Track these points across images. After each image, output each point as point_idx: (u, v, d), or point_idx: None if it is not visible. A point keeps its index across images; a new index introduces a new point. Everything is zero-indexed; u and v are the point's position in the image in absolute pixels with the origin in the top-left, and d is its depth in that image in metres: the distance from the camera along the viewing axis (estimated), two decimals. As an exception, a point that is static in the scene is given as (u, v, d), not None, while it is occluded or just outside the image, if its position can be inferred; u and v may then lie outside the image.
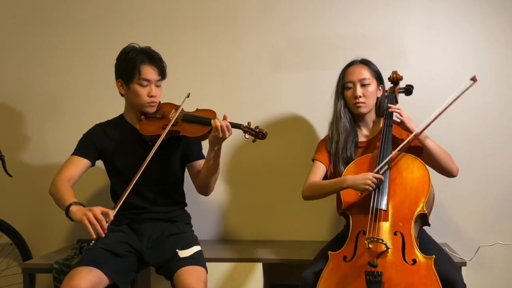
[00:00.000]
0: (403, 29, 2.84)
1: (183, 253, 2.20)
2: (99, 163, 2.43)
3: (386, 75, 2.43)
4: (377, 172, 2.12)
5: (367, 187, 2.08)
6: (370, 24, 2.85)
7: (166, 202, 2.40)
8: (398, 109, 2.25)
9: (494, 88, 2.79)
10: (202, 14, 2.96)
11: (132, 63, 2.28)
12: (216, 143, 2.25)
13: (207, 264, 2.22)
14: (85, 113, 2.95)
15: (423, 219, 2.13)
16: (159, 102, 2.38)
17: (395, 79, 2.41)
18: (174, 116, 2.31)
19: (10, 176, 2.76)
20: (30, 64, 3.05)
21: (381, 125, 2.33)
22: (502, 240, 2.68)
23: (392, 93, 2.39)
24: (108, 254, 2.19)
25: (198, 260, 2.20)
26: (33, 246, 2.96)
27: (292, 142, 2.89)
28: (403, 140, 2.29)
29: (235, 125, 2.24)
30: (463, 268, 2.33)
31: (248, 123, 2.25)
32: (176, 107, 2.36)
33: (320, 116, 2.75)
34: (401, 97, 2.43)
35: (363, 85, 2.33)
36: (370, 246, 1.99)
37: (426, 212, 2.09)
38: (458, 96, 2.13)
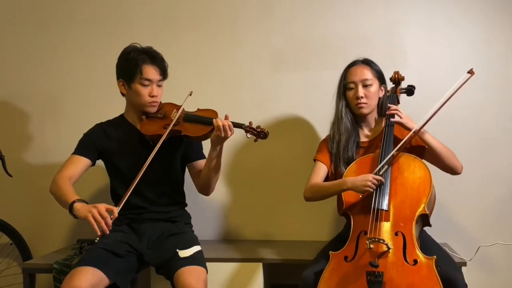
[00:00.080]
0: (403, 29, 2.84)
1: (183, 253, 2.20)
2: (99, 163, 2.43)
3: (386, 75, 2.43)
4: (378, 172, 2.12)
5: (367, 188, 2.08)
6: (370, 24, 2.85)
7: (166, 202, 2.40)
8: (395, 109, 2.25)
9: (494, 88, 2.79)
10: (202, 14, 2.96)
11: (134, 63, 2.28)
12: (218, 143, 2.25)
13: (207, 264, 2.22)
14: (85, 113, 2.95)
15: (424, 219, 2.13)
16: (160, 102, 2.38)
17: (397, 79, 2.41)
18: (175, 115, 2.31)
19: (10, 176, 2.76)
20: (30, 64, 3.05)
21: (383, 125, 2.33)
22: (502, 240, 2.68)
23: (393, 93, 2.39)
24: (108, 254, 2.19)
25: (198, 260, 2.20)
26: (33, 246, 2.96)
27: (292, 142, 2.89)
28: (403, 139, 2.29)
29: (236, 125, 2.24)
30: (463, 268, 2.33)
31: (250, 122, 2.25)
32: (177, 107, 2.36)
33: (321, 116, 2.76)
34: (402, 97, 2.43)
35: (365, 86, 2.33)
36: (371, 246, 1.99)
37: (427, 212, 2.09)
38: (456, 90, 2.12)
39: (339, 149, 2.35)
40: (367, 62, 2.38)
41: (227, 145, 2.31)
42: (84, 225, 2.95)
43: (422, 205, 2.08)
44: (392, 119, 2.25)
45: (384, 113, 2.34)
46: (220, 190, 2.90)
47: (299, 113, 2.89)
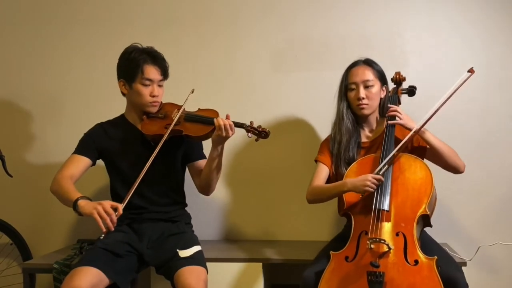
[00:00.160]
0: (403, 29, 2.84)
1: (183, 253, 2.20)
2: (99, 162, 2.43)
3: (387, 75, 2.42)
4: (378, 172, 2.12)
5: (367, 188, 2.08)
6: (370, 24, 2.85)
7: (166, 202, 2.40)
8: (395, 110, 2.24)
9: (494, 88, 2.79)
10: (202, 14, 2.96)
11: (135, 63, 2.28)
12: (220, 142, 2.25)
13: (208, 264, 2.22)
14: (86, 113, 2.95)
15: (425, 220, 2.13)
16: (161, 102, 2.38)
17: (398, 80, 2.40)
18: (176, 115, 2.31)
19: (10, 176, 2.76)
20: (30, 64, 3.05)
21: (384, 125, 2.33)
22: (502, 240, 2.68)
23: (395, 93, 2.39)
24: (108, 254, 2.19)
25: (198, 260, 2.20)
26: (33, 246, 2.96)
27: (292, 142, 2.89)
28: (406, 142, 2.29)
29: (238, 124, 2.25)
30: (463, 268, 2.33)
31: (251, 122, 2.26)
32: (178, 107, 2.36)
33: (321, 116, 2.76)
34: (404, 97, 2.43)
35: (366, 87, 2.32)
36: (372, 246, 1.99)
37: (428, 213, 2.09)
38: (456, 89, 2.12)
39: (340, 149, 2.35)
40: (369, 63, 2.38)
41: (227, 145, 2.32)
42: (84, 225, 2.98)
43: (423, 206, 2.08)
44: (390, 122, 2.25)
45: (385, 113, 2.33)
46: (221, 190, 2.90)
47: (299, 113, 2.89)
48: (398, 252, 1.99)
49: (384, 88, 2.39)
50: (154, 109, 2.36)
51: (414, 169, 2.18)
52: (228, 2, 2.95)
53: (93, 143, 2.37)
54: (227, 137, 2.23)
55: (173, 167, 2.42)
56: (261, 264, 2.45)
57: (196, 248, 2.26)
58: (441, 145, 2.23)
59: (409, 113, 2.27)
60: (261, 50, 2.92)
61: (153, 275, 2.48)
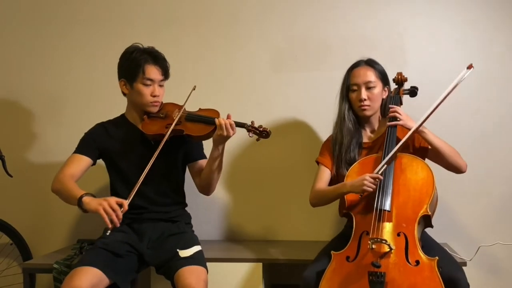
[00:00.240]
0: (404, 30, 2.84)
1: (184, 253, 2.20)
2: (99, 162, 2.43)
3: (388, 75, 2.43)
4: (377, 172, 2.12)
5: (365, 188, 2.08)
6: (370, 25, 2.85)
7: (166, 202, 2.40)
8: (395, 111, 2.24)
9: (494, 88, 2.79)
10: (202, 14, 2.96)
11: (136, 63, 2.29)
12: (221, 142, 2.26)
13: (208, 264, 2.22)
14: (86, 113, 2.95)
15: (426, 220, 2.13)
16: (162, 102, 2.39)
17: (400, 80, 2.40)
18: (177, 115, 2.31)
19: (11, 176, 2.75)
20: (30, 64, 3.04)
21: (386, 125, 2.33)
22: (502, 240, 2.68)
23: (396, 94, 2.38)
24: (108, 254, 2.19)
25: (198, 260, 2.20)
26: (33, 246, 2.96)
27: (293, 142, 2.89)
28: (407, 141, 2.29)
29: (239, 124, 2.25)
30: (463, 268, 2.33)
31: (252, 122, 2.26)
32: (179, 107, 2.37)
33: (322, 116, 2.76)
34: (405, 98, 2.42)
35: (368, 88, 2.32)
36: (374, 246, 1.99)
37: (429, 213, 2.09)
38: (455, 86, 2.10)
39: (341, 151, 2.35)
40: (371, 64, 2.37)
41: (228, 145, 2.32)
42: (84, 225, 2.98)
43: (425, 206, 2.08)
44: (389, 123, 2.25)
45: (387, 114, 2.33)
46: (221, 190, 2.90)
47: (299, 113, 2.89)
48: (399, 253, 1.99)
49: (386, 89, 2.39)
50: (154, 109, 2.36)
51: (415, 170, 2.17)
52: (228, 2, 2.95)
53: (93, 143, 2.38)
54: (228, 137, 2.23)
55: (174, 167, 2.42)
56: (261, 264, 2.45)
57: (196, 248, 2.26)
58: (442, 145, 2.23)
59: (408, 112, 2.26)
60: (261, 50, 2.92)
61: (153, 275, 2.48)
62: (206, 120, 2.29)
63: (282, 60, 2.91)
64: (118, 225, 2.04)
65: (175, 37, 2.95)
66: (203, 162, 2.42)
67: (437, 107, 2.11)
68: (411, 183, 2.15)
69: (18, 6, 3.06)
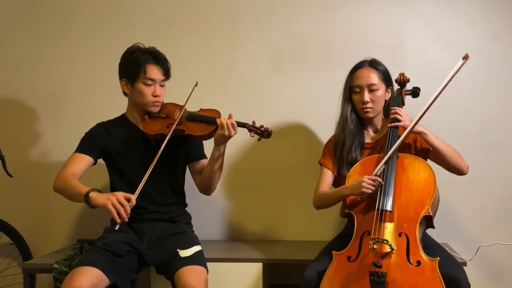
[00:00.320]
0: (404, 30, 2.84)
1: (184, 253, 2.20)
2: (99, 161, 2.43)
3: (388, 76, 2.43)
4: (376, 173, 2.12)
5: (364, 190, 2.08)
6: (370, 25, 2.85)
7: (167, 202, 2.40)
8: (395, 112, 2.24)
9: (495, 88, 2.80)
10: (202, 14, 2.96)
11: (138, 63, 2.29)
12: (222, 142, 2.26)
13: (208, 264, 2.22)
14: (86, 113, 2.95)
15: (428, 221, 2.13)
16: (162, 102, 2.39)
17: (402, 81, 2.39)
18: (179, 114, 2.32)
19: (11, 176, 2.75)
20: (30, 64, 3.04)
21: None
22: (502, 240, 2.69)
23: (399, 95, 2.38)
24: (108, 254, 2.19)
25: (198, 260, 2.20)
26: (33, 246, 2.96)
27: (293, 142, 2.89)
28: (409, 142, 2.29)
29: (240, 124, 2.25)
30: (463, 268, 2.34)
31: (253, 122, 2.26)
32: (180, 107, 2.37)
33: (322, 116, 2.77)
34: (407, 98, 2.42)
35: (371, 90, 2.31)
36: (375, 246, 1.98)
37: (431, 214, 2.09)
38: (452, 77, 2.09)
39: (343, 152, 2.35)
40: (374, 65, 2.35)
41: (228, 145, 2.32)
42: (84, 225, 2.98)
43: (426, 207, 2.08)
44: (389, 125, 2.25)
45: (389, 114, 2.33)
46: (221, 190, 2.90)
47: (300, 113, 2.89)
48: (400, 253, 1.99)
49: (389, 90, 2.38)
50: (156, 109, 2.36)
51: (417, 170, 2.17)
52: (228, 2, 2.95)
53: (94, 142, 2.38)
54: (229, 137, 2.23)
55: (174, 167, 2.42)
56: (261, 264, 2.45)
57: (196, 248, 2.26)
58: (443, 146, 2.23)
59: (409, 113, 2.26)
60: (261, 50, 2.92)
61: (153, 275, 2.48)
62: (208, 120, 2.29)
63: (282, 60, 2.91)
64: (127, 219, 2.05)
65: (175, 37, 2.95)
66: (203, 162, 2.43)
67: (434, 100, 2.09)
68: (413, 184, 2.15)
69: (18, 6, 3.06)
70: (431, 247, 2.17)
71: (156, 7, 2.99)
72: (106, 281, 2.11)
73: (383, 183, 2.10)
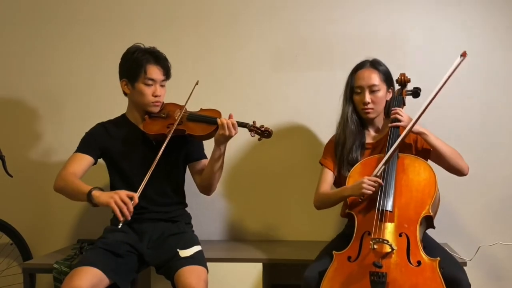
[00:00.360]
0: (404, 30, 2.84)
1: (184, 253, 2.20)
2: (98, 161, 2.42)
3: (389, 76, 2.43)
4: (376, 174, 2.12)
5: (364, 191, 2.08)
6: (371, 25, 2.85)
7: (167, 202, 2.40)
8: (396, 113, 2.24)
9: (495, 88, 2.80)
10: (202, 14, 2.96)
11: (138, 63, 2.29)
12: (223, 142, 2.26)
13: (208, 264, 2.22)
14: (86, 113, 2.95)
15: (428, 221, 2.13)
16: (163, 102, 2.39)
17: (403, 81, 2.39)
18: (179, 114, 2.32)
19: (11, 176, 2.75)
20: (30, 64, 3.04)
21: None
22: (502, 240, 2.68)
23: (399, 95, 2.38)
24: (108, 254, 2.19)
25: (198, 259, 2.20)
26: (33, 246, 2.96)
27: (293, 143, 2.89)
28: (409, 142, 2.29)
29: (241, 124, 2.26)
30: (463, 268, 2.34)
31: (254, 122, 2.27)
32: (180, 107, 2.37)
33: (322, 116, 2.77)
34: (408, 98, 2.42)
35: (372, 91, 2.31)
36: (375, 246, 1.98)
37: (431, 214, 2.09)
38: (450, 75, 2.10)
39: (344, 152, 2.35)
40: (375, 65, 2.35)
41: (228, 146, 2.32)
42: (84, 225, 2.98)
43: (427, 207, 2.08)
44: (390, 125, 2.25)
45: (390, 115, 2.33)
46: (221, 190, 2.90)
47: (300, 113, 2.89)
48: (401, 253, 1.99)
49: (390, 90, 2.38)
50: (156, 109, 2.36)
51: (418, 170, 2.17)
52: (228, 2, 2.95)
53: (95, 142, 2.38)
54: (230, 136, 2.24)
55: (174, 167, 2.42)
56: (261, 264, 2.45)
57: (197, 248, 2.26)
58: (444, 147, 2.23)
59: (409, 113, 2.26)
60: (261, 50, 2.92)
61: (153, 275, 2.48)
62: (208, 119, 2.30)
63: (282, 60, 2.91)
64: (129, 218, 2.05)
65: (175, 37, 2.95)
66: (204, 162, 2.43)
67: (435, 96, 2.08)
68: (413, 184, 2.15)
69: (18, 6, 3.06)
70: (431, 247, 2.17)
71: (156, 7, 2.99)
72: (106, 281, 2.11)
73: (383, 184, 2.10)
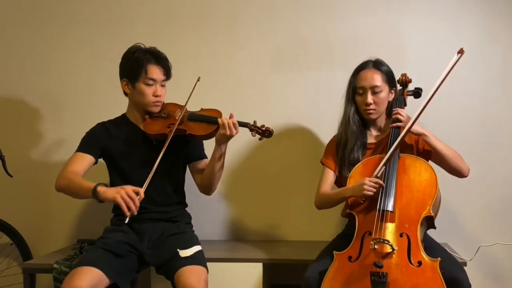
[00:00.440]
0: (404, 30, 2.84)
1: (184, 253, 2.20)
2: (99, 161, 2.43)
3: (389, 76, 2.43)
4: (376, 175, 2.12)
5: (365, 192, 2.08)
6: (370, 25, 2.85)
7: (167, 202, 2.40)
8: (397, 113, 2.24)
9: (495, 88, 2.79)
10: (202, 14, 2.96)
11: (139, 63, 2.29)
12: (223, 141, 2.26)
13: (208, 264, 2.22)
14: (86, 113, 2.94)
15: (429, 221, 2.13)
16: (163, 102, 2.39)
17: (404, 81, 2.40)
18: (180, 114, 2.32)
19: (11, 176, 2.75)
20: (30, 64, 3.04)
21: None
22: (502, 240, 2.69)
23: (401, 95, 2.38)
24: (108, 254, 2.19)
25: (198, 259, 2.20)
26: (33, 246, 2.96)
27: (293, 142, 2.89)
28: (411, 143, 2.30)
29: (241, 124, 2.26)
30: (463, 268, 2.34)
31: (254, 121, 2.27)
32: (181, 107, 2.37)
33: (323, 116, 2.77)
34: (409, 99, 2.42)
35: (374, 92, 2.31)
36: (376, 247, 1.98)
37: (432, 214, 2.09)
38: (448, 73, 2.09)
39: (345, 152, 2.35)
40: (378, 66, 2.34)
41: (228, 145, 2.32)
42: (84, 225, 2.98)
43: (428, 207, 2.08)
44: (391, 125, 2.25)
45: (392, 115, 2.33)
46: (221, 190, 2.90)
47: (300, 113, 2.89)
48: (401, 253, 1.99)
49: (392, 91, 2.38)
50: (156, 109, 2.36)
51: (419, 171, 2.17)
52: (228, 2, 2.95)
53: (95, 142, 2.38)
54: (231, 136, 2.24)
55: (174, 167, 2.42)
56: (261, 264, 2.45)
57: (197, 248, 2.26)
58: (444, 148, 2.23)
59: (409, 113, 2.26)
60: (261, 50, 2.92)
61: (153, 275, 2.48)
62: (209, 119, 2.30)
63: (282, 60, 2.91)
64: (136, 212, 2.05)
65: (175, 37, 2.95)
66: (204, 162, 2.43)
67: (433, 94, 2.08)
68: (414, 184, 2.15)
69: (18, 6, 3.06)
70: (431, 247, 2.17)
71: (156, 7, 2.99)
72: (106, 281, 2.10)
73: (384, 185, 2.10)
